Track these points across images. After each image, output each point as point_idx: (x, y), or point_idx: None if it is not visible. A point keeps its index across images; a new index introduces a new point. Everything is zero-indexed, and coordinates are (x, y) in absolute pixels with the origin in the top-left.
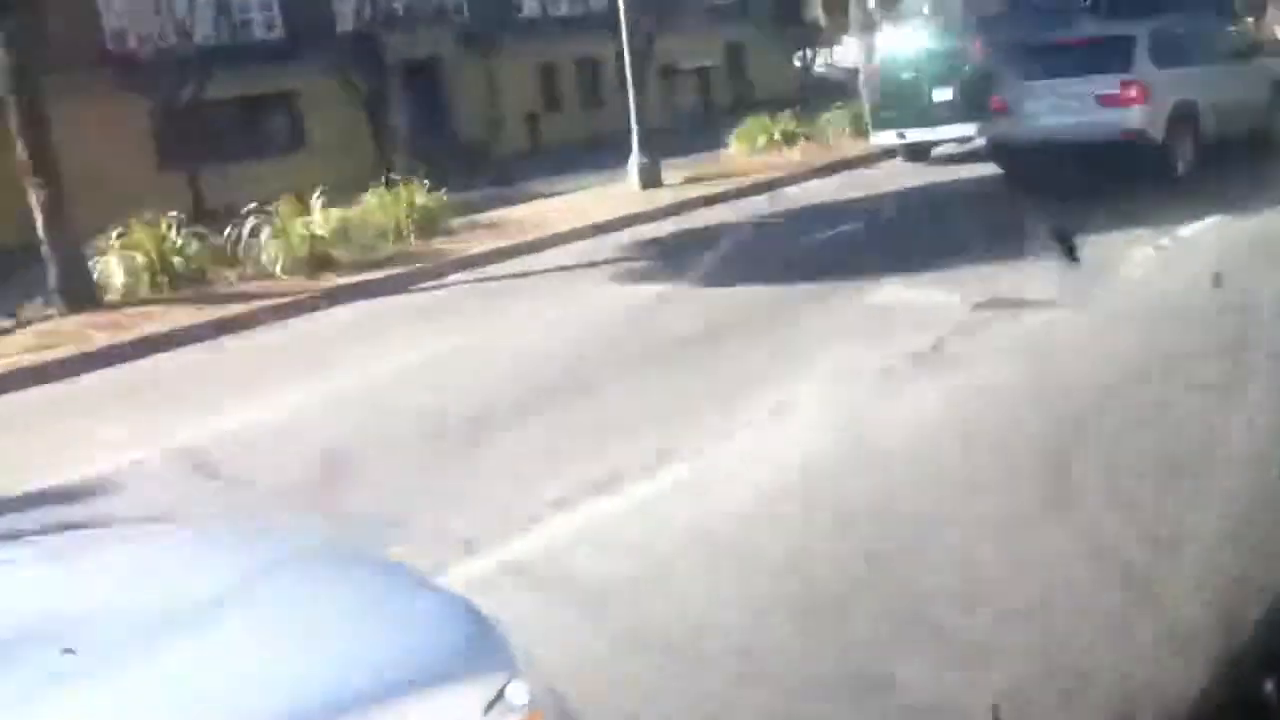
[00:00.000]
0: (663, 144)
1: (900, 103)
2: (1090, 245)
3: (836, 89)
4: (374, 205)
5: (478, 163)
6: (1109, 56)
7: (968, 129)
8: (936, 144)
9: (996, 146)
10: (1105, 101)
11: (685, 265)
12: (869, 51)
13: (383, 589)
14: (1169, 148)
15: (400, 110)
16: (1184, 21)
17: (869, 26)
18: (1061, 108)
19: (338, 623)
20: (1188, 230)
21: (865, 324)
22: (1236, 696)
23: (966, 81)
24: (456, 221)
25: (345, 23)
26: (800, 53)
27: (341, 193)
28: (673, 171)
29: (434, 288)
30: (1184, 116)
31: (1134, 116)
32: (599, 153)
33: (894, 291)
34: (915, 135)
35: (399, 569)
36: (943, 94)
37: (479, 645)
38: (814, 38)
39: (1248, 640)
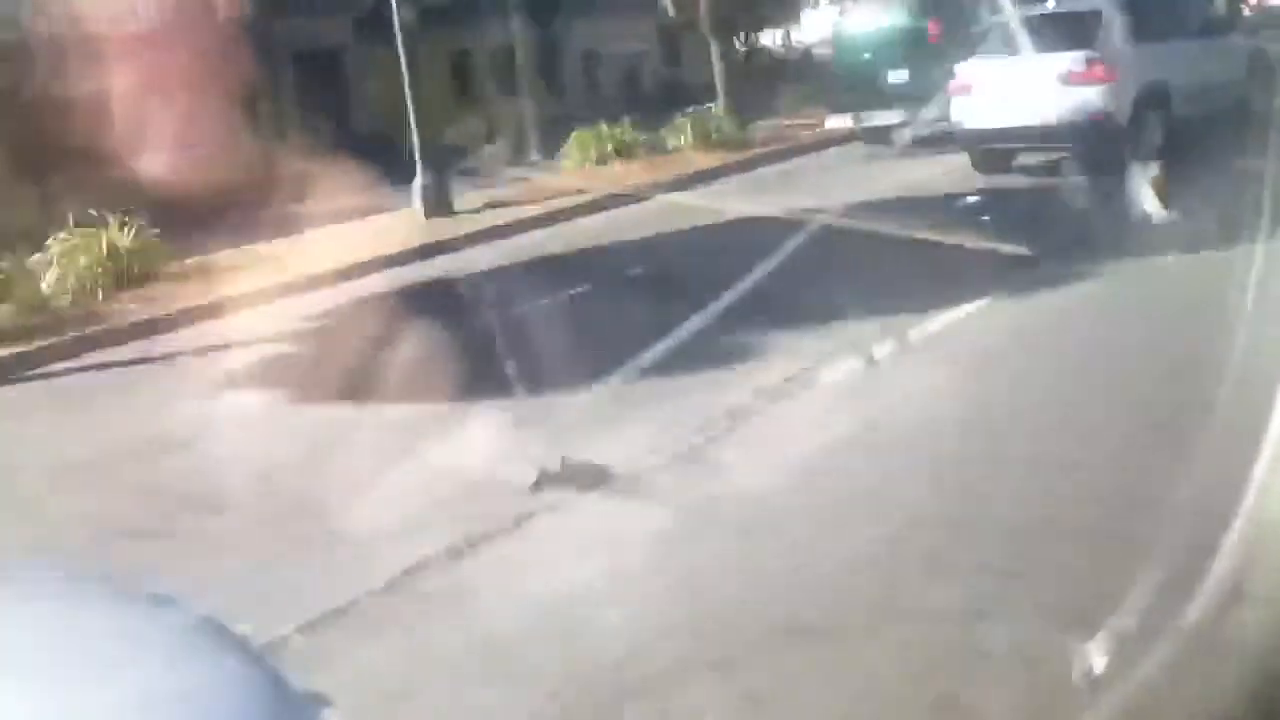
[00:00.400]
0: (549, 142)
1: (853, 85)
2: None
3: (783, 71)
4: (61, 250)
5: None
6: (1076, 32)
7: (923, 114)
8: (893, 129)
9: (961, 131)
10: (1072, 80)
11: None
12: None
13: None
14: (1136, 133)
15: (292, 105)
16: None
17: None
18: (1025, 87)
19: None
20: (940, 322)
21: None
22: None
23: (921, 62)
24: (193, 261)
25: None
26: (740, 35)
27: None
28: (484, 192)
29: (63, 371)
30: (1152, 96)
31: (1101, 96)
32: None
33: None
34: (870, 119)
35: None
36: (898, 76)
37: None
38: (765, 16)
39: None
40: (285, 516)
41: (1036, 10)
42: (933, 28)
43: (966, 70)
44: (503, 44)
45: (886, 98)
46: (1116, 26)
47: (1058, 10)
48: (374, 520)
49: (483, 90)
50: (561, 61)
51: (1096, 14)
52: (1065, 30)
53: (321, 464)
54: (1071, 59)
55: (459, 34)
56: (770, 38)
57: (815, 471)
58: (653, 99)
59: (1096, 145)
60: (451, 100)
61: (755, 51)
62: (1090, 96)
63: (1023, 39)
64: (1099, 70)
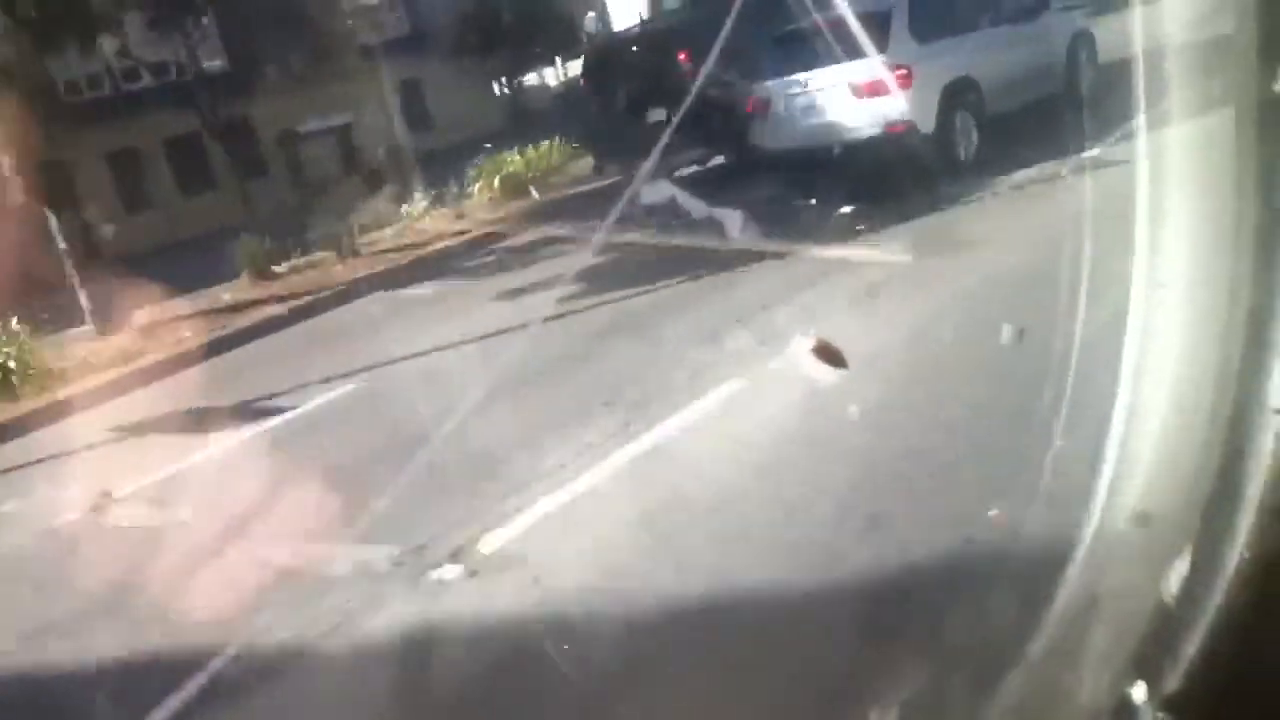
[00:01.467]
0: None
1: (609, 130)
2: None
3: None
4: None
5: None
6: (865, 36)
7: (687, 157)
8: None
9: (762, 154)
10: (862, 91)
11: None
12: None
13: None
14: (943, 139)
15: None
16: None
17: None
18: (818, 104)
19: None
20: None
21: None
22: (1102, 702)
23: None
24: None
25: None
26: (502, 80)
27: None
28: None
29: None
30: (959, 95)
31: (896, 106)
32: (182, 261)
33: None
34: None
35: None
36: (656, 115)
37: None
38: (528, 60)
39: (1120, 644)
40: None
41: (823, 15)
42: (684, 59)
43: (760, 89)
44: (182, 134)
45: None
46: (908, 24)
47: (844, 13)
48: None
49: (155, 193)
50: (257, 147)
51: (885, 13)
52: (853, 35)
53: None
54: (860, 68)
55: (121, 128)
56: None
57: None
58: (375, 171)
59: (900, 160)
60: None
61: (519, 94)
62: (885, 107)
63: (811, 50)
64: (893, 76)
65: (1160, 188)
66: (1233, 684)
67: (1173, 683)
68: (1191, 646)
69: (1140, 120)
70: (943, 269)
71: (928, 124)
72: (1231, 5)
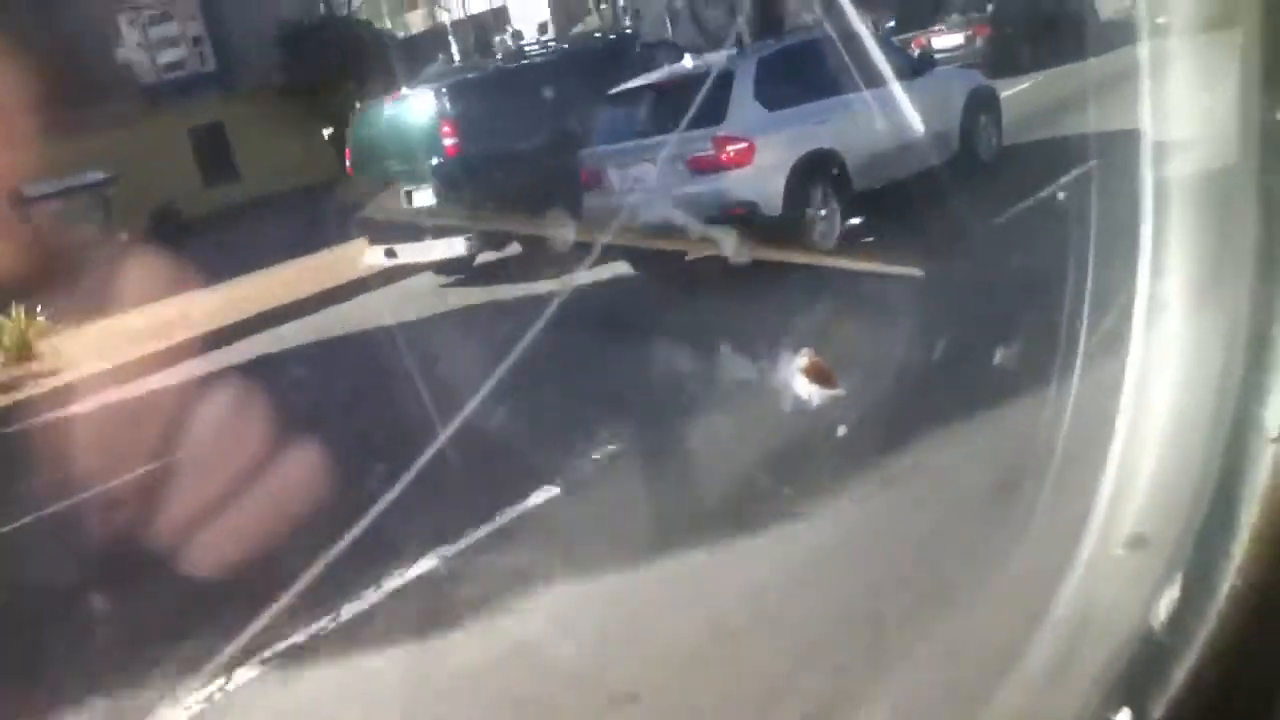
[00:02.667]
0: None
1: (382, 206)
2: None
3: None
4: None
5: None
6: (702, 102)
7: (455, 244)
8: (442, 264)
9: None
10: (698, 166)
11: None
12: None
13: None
14: (795, 219)
15: None
16: (814, 43)
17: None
18: (650, 179)
19: None
20: None
21: None
22: None
23: (445, 175)
24: None
25: None
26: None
27: None
28: None
29: None
30: (816, 171)
31: (737, 184)
32: None
33: None
34: (407, 254)
35: None
36: (422, 196)
37: None
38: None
39: (1107, 669)
40: None
41: (659, 77)
42: (448, 132)
43: (590, 159)
44: None
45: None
46: (753, 88)
47: (684, 73)
48: None
49: None
50: None
51: (728, 75)
52: (692, 101)
53: None
54: (696, 139)
55: None
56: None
57: None
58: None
59: (744, 247)
60: None
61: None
62: (723, 186)
63: (651, 113)
64: (730, 150)
65: (1164, 210)
66: (1220, 712)
67: (1159, 710)
68: (1179, 674)
69: (1146, 142)
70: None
71: (773, 205)
72: (1236, 30)
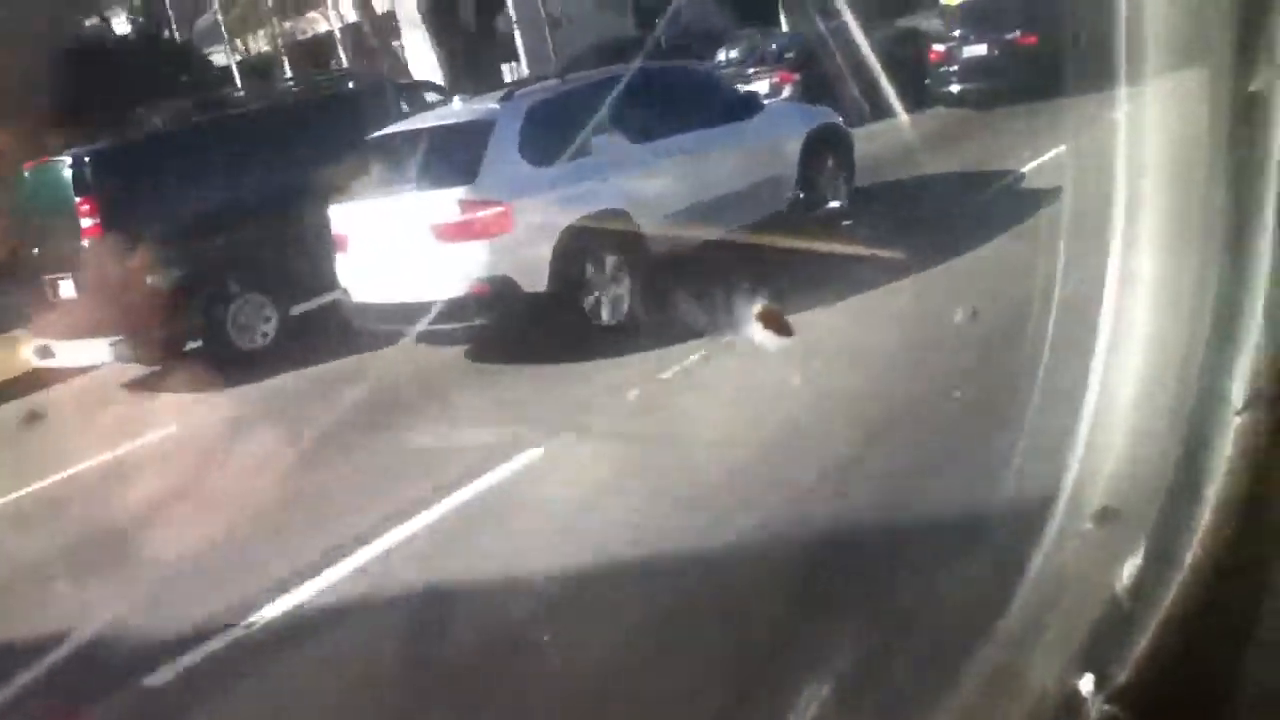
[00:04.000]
0: None
1: None
2: None
3: None
4: None
5: None
6: (454, 158)
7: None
8: None
9: (349, 307)
10: (444, 235)
11: None
12: None
13: None
14: (568, 299)
15: None
16: (609, 84)
17: None
18: (397, 245)
19: None
20: None
21: None
22: (1051, 692)
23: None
24: None
25: None
26: None
27: None
28: None
29: None
30: (599, 237)
31: (488, 256)
32: None
33: None
34: (66, 355)
35: None
36: (66, 288)
37: None
38: None
39: (1072, 636)
40: None
41: (431, 121)
42: (88, 211)
43: (340, 216)
44: None
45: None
46: (517, 140)
47: (453, 119)
48: None
49: None
50: None
51: (485, 125)
52: (447, 152)
53: None
54: (444, 200)
55: None
56: None
57: None
58: None
59: (503, 326)
60: None
61: None
62: (470, 258)
63: (406, 166)
64: (480, 216)
65: (1137, 183)
66: (1180, 678)
67: (1121, 675)
68: (1142, 641)
69: (1120, 113)
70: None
71: (536, 280)
72: (1210, 4)
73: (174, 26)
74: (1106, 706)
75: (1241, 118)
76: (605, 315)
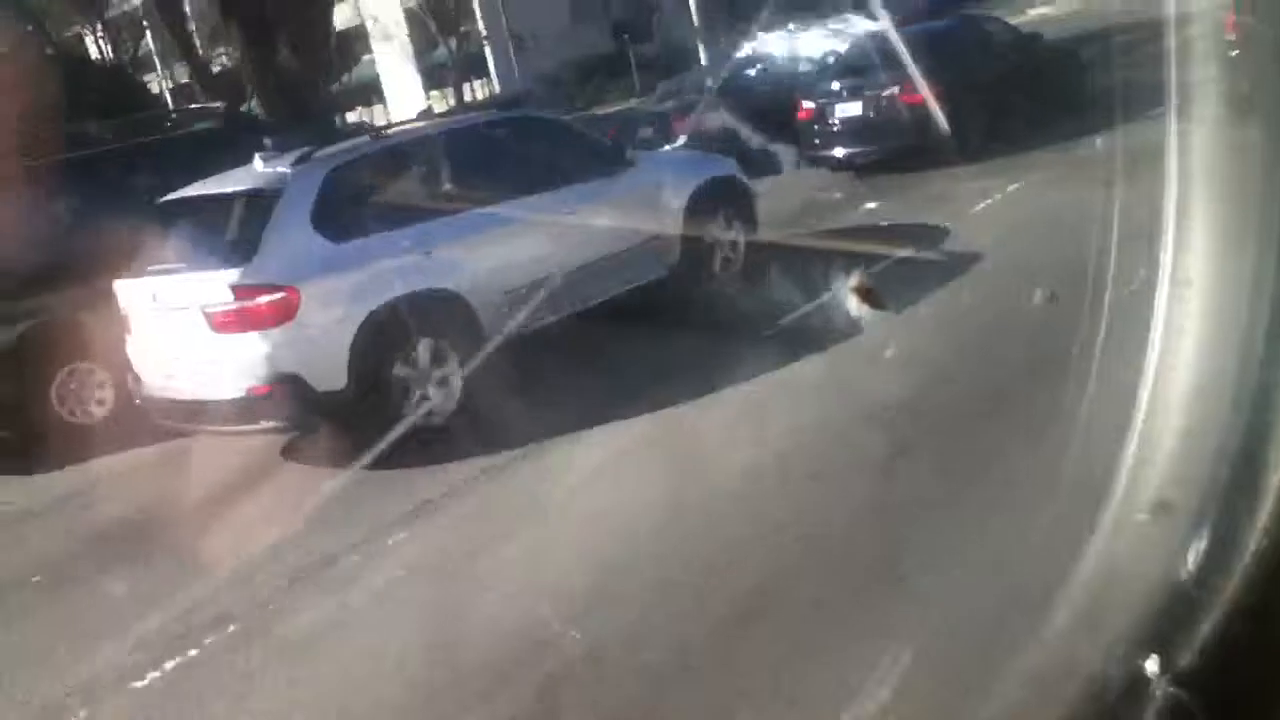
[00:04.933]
0: None
1: None
2: None
3: None
4: None
5: None
6: (234, 230)
7: None
8: None
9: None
10: (216, 324)
11: None
12: None
13: None
14: (369, 400)
15: None
16: (446, 137)
17: None
18: (167, 334)
19: None
20: None
21: None
22: (1114, 673)
23: None
24: None
25: None
26: None
27: None
28: None
29: None
30: (415, 322)
31: (265, 352)
32: None
33: None
34: None
35: None
36: None
37: None
38: None
39: (1136, 619)
40: None
41: (220, 185)
42: None
43: (122, 291)
44: None
45: None
46: (313, 212)
47: (225, 189)
48: None
49: None
50: None
51: (272, 194)
52: (227, 225)
53: None
54: (210, 286)
55: None
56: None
57: None
58: None
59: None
60: None
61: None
62: (249, 353)
63: (180, 241)
64: (258, 304)
65: (1187, 187)
66: (1245, 663)
67: (1186, 659)
68: (1206, 625)
69: (1171, 120)
70: None
71: (333, 377)
72: (1252, 5)
73: (110, 48)
74: (1171, 689)
75: None
76: (423, 415)
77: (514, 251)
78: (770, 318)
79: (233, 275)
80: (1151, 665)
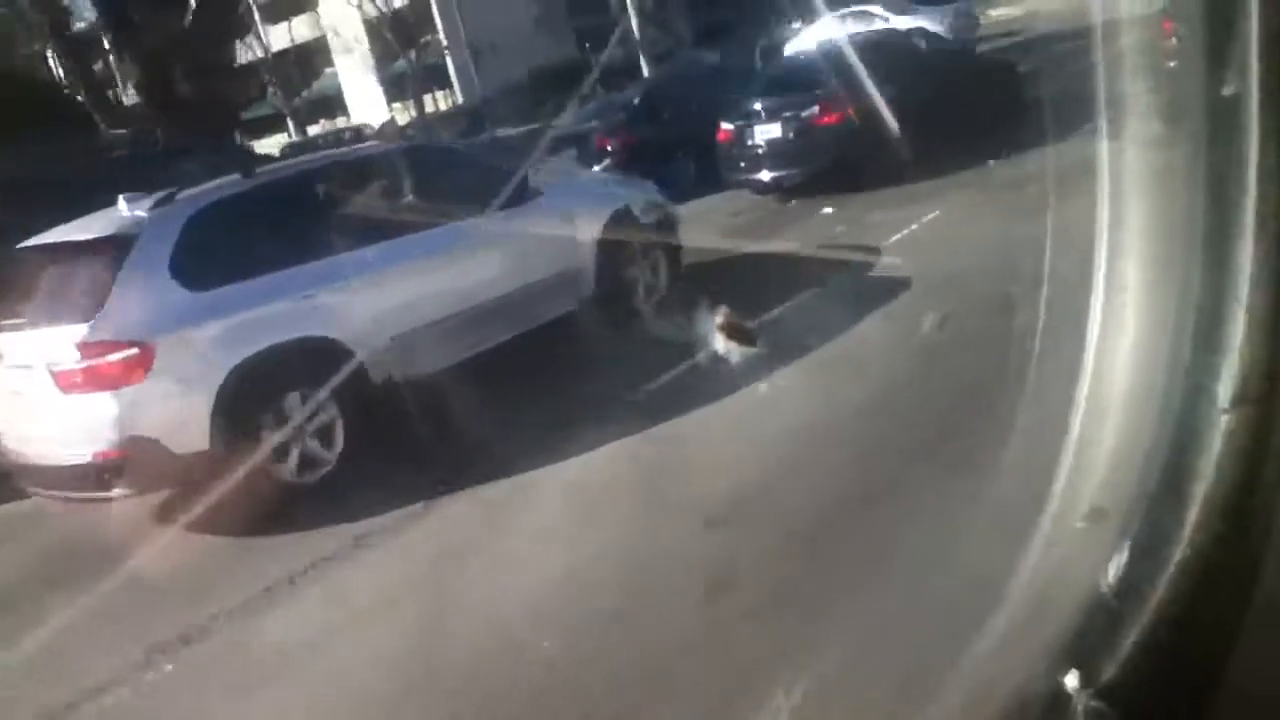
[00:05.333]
0: None
1: None
2: None
3: None
4: None
5: None
6: (84, 281)
7: None
8: None
9: None
10: (62, 384)
11: None
12: None
13: None
14: (235, 458)
15: None
16: (324, 172)
17: None
18: (16, 395)
19: None
20: None
21: None
22: (1037, 689)
23: None
24: None
25: None
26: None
27: None
28: None
29: None
30: (291, 374)
31: (115, 413)
32: None
33: None
34: None
35: None
36: None
37: None
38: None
39: (1059, 633)
40: None
41: (62, 233)
42: None
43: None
44: None
45: None
46: (170, 260)
47: (75, 236)
48: None
49: None
50: None
51: (125, 241)
52: (76, 276)
53: None
54: (55, 343)
55: None
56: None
57: None
58: None
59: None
60: None
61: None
62: (97, 415)
63: (30, 293)
64: (107, 362)
65: (1119, 193)
66: (1167, 675)
67: (1109, 672)
68: (1129, 638)
69: (1101, 126)
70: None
71: (194, 440)
72: (1181, 13)
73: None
74: (1093, 703)
75: (1216, 124)
76: (299, 472)
77: (403, 293)
78: (656, 365)
79: (80, 331)
80: (1071, 680)
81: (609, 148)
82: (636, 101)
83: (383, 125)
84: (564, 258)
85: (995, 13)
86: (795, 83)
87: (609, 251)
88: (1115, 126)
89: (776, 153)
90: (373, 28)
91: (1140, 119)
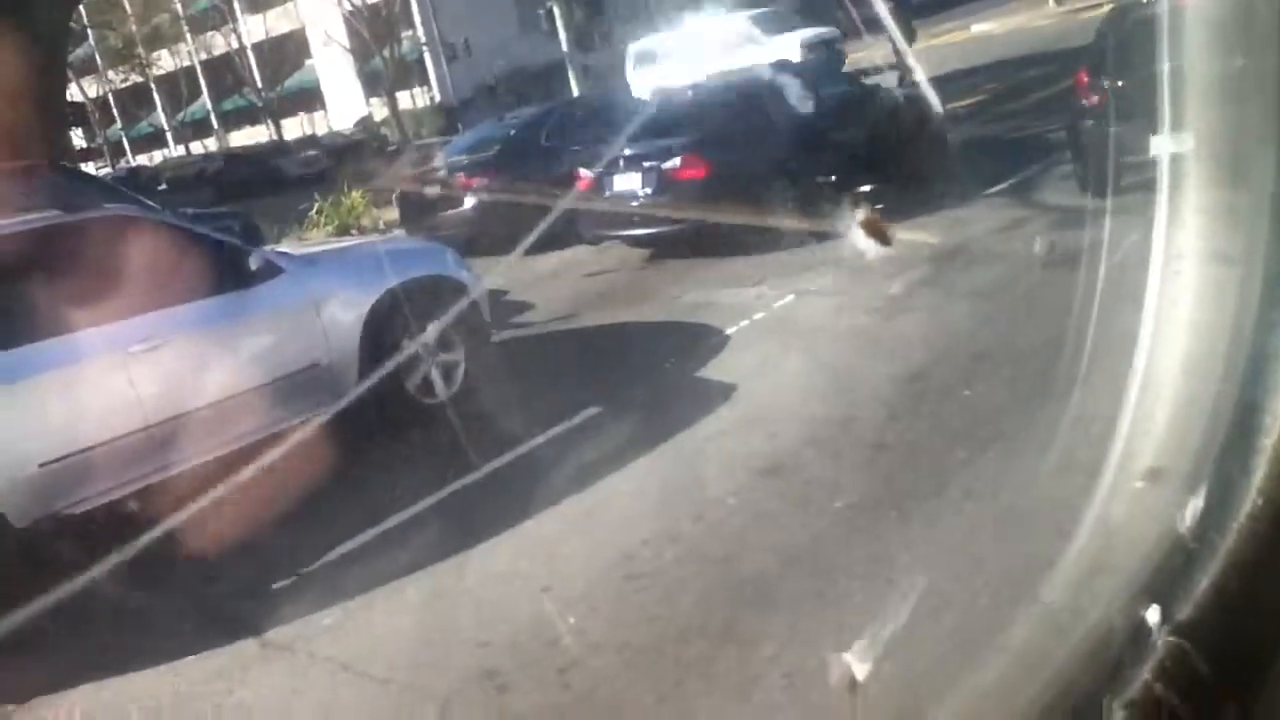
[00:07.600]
0: None
1: None
2: None
3: None
4: None
5: None
6: None
7: None
8: None
9: None
10: None
11: None
12: None
13: None
14: None
15: None
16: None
17: None
18: None
19: None
20: None
21: None
22: (1119, 621)
23: None
24: None
25: None
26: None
27: None
28: None
29: None
30: None
31: None
32: None
33: None
34: None
35: None
36: None
37: None
38: None
39: (1136, 573)
40: None
41: None
42: None
43: None
44: None
45: None
46: None
47: None
48: None
49: None
50: None
51: None
52: None
53: None
54: None
55: None
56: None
57: None
58: None
59: None
60: None
61: None
62: None
63: None
64: None
65: (1180, 165)
66: (1242, 616)
67: (1185, 610)
68: (1204, 579)
69: (1164, 96)
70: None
71: None
72: None
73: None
74: (1172, 639)
75: None
76: None
77: (60, 408)
78: (353, 521)
79: None
80: (1153, 615)
81: (473, 189)
82: (513, 133)
83: (358, 122)
84: (307, 351)
85: (977, 28)
86: (664, 128)
87: (377, 340)
88: (1177, 94)
89: (636, 207)
90: (350, 23)
91: (1203, 90)
